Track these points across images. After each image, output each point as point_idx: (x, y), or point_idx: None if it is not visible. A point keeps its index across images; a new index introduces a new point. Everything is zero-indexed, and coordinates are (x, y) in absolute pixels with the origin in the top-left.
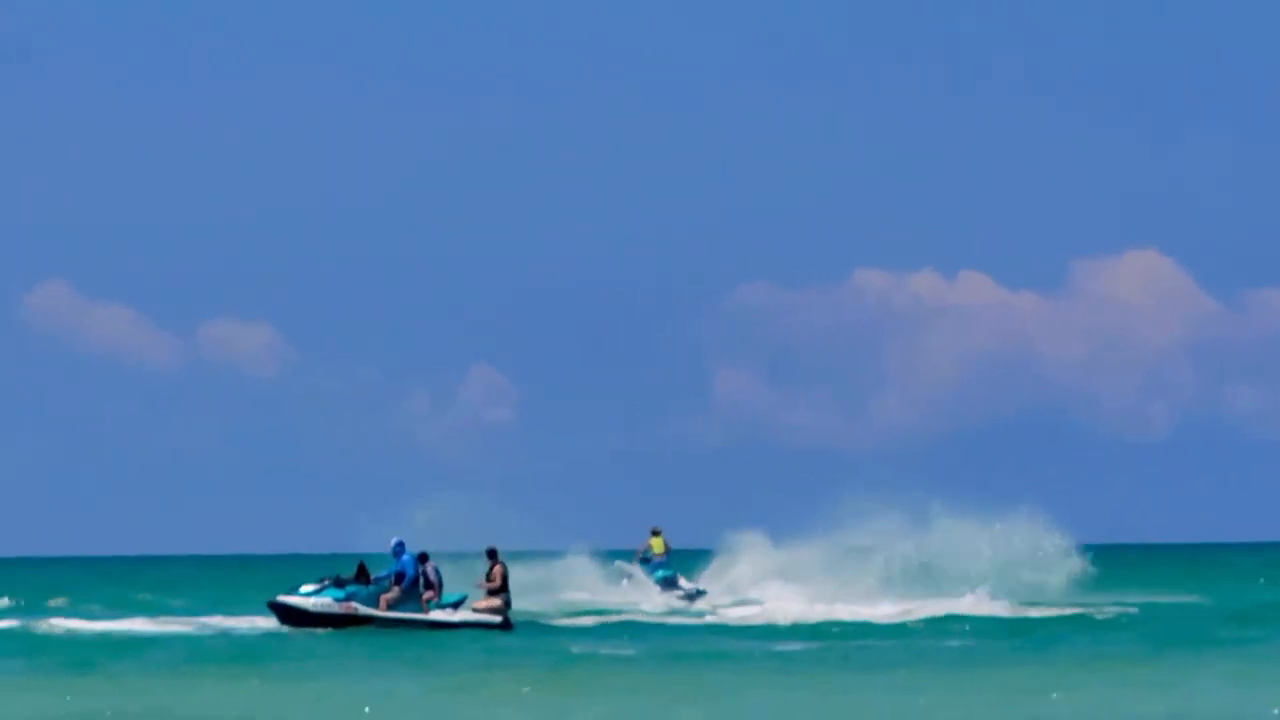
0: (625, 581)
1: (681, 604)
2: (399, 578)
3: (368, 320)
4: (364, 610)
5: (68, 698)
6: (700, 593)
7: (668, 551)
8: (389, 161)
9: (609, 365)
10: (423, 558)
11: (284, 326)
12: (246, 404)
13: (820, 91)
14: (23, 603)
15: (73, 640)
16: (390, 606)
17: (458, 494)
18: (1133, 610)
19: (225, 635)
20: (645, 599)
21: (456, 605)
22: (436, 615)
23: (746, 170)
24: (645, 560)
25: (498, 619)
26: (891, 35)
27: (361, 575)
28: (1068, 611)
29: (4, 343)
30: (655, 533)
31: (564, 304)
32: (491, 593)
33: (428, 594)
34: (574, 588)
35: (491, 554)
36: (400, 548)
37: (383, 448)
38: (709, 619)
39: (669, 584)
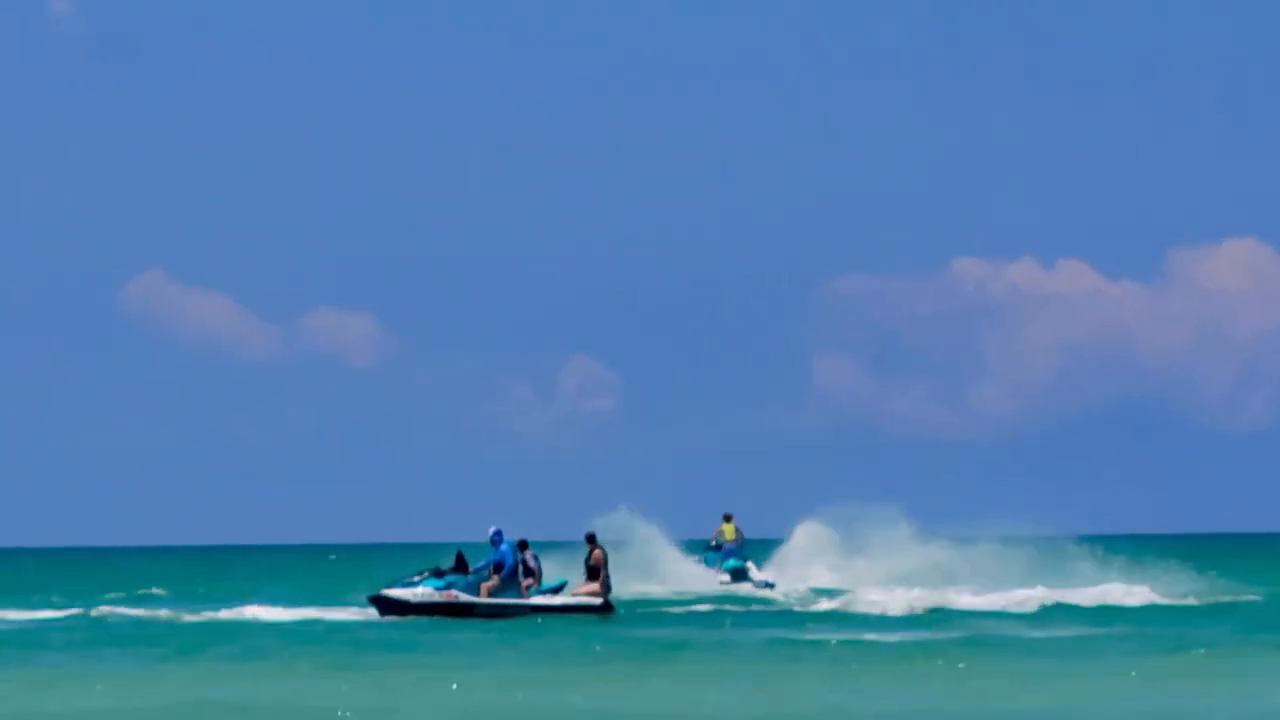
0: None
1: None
2: (498, 566)
3: (468, 310)
4: (465, 598)
5: (172, 687)
6: (769, 584)
7: (739, 538)
8: (489, 151)
9: (708, 355)
10: (522, 545)
11: (385, 316)
12: (346, 394)
13: (918, 79)
14: (125, 594)
15: (177, 630)
16: (490, 594)
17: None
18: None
19: (326, 625)
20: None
21: (556, 591)
22: (537, 600)
23: (845, 159)
24: (716, 547)
25: (598, 601)
26: (987, 22)
27: (460, 565)
28: (1217, 600)
29: (103, 333)
30: (727, 518)
31: (663, 294)
32: (591, 577)
33: (527, 581)
34: (651, 576)
35: (590, 539)
36: (498, 536)
37: (482, 438)
38: (803, 607)
39: (739, 575)
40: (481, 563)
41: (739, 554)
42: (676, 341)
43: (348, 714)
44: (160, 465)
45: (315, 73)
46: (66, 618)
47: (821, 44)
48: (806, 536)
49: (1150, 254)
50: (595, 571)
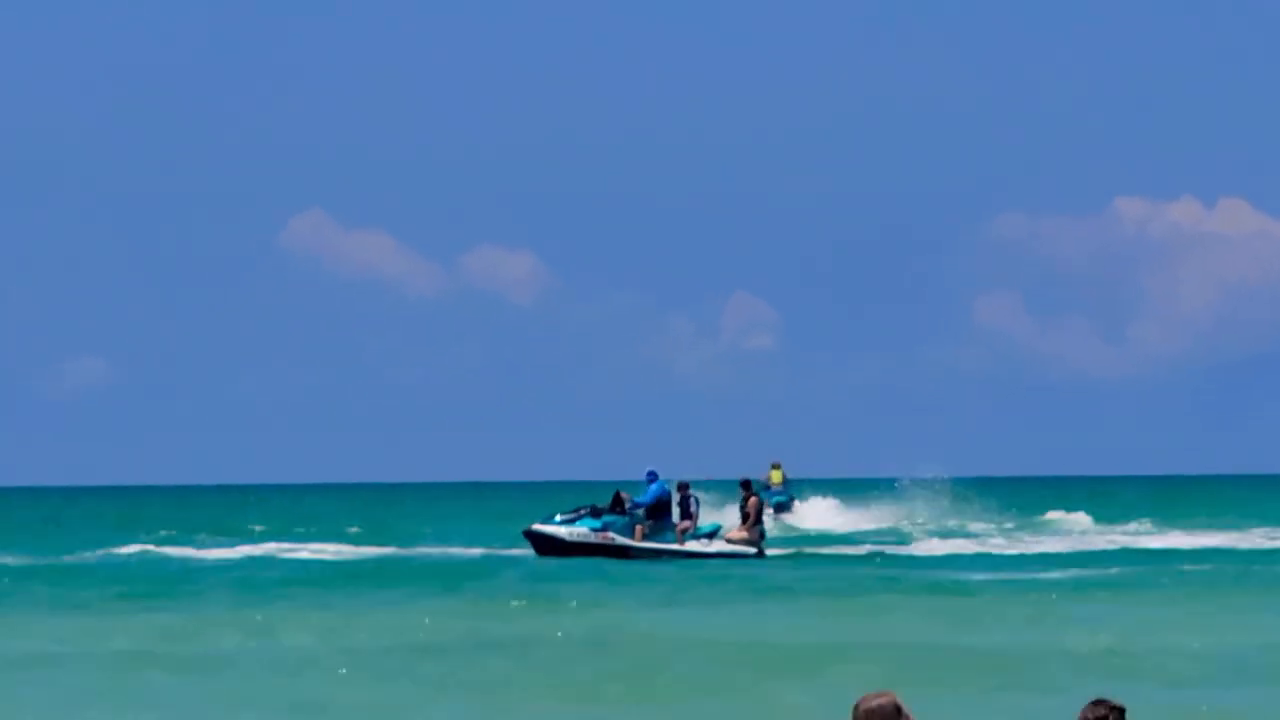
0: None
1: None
2: (654, 508)
3: (629, 248)
4: (620, 540)
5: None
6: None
7: (785, 482)
8: (651, 89)
9: (868, 294)
10: (682, 487)
11: (546, 254)
12: (507, 332)
13: (1080, 18)
14: (271, 529)
15: (325, 567)
16: (645, 536)
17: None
18: None
19: (482, 562)
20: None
21: (711, 535)
22: (691, 546)
23: (1005, 99)
24: (766, 488)
25: (752, 550)
26: None
27: (617, 504)
28: None
29: (264, 272)
30: (775, 466)
31: (825, 233)
32: (745, 523)
33: (684, 524)
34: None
35: (745, 485)
36: (653, 476)
37: (643, 375)
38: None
39: (782, 508)
40: (637, 503)
41: (784, 494)
42: (837, 280)
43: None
44: (321, 403)
45: (476, 11)
46: (278, 554)
47: None
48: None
49: None
50: (749, 518)
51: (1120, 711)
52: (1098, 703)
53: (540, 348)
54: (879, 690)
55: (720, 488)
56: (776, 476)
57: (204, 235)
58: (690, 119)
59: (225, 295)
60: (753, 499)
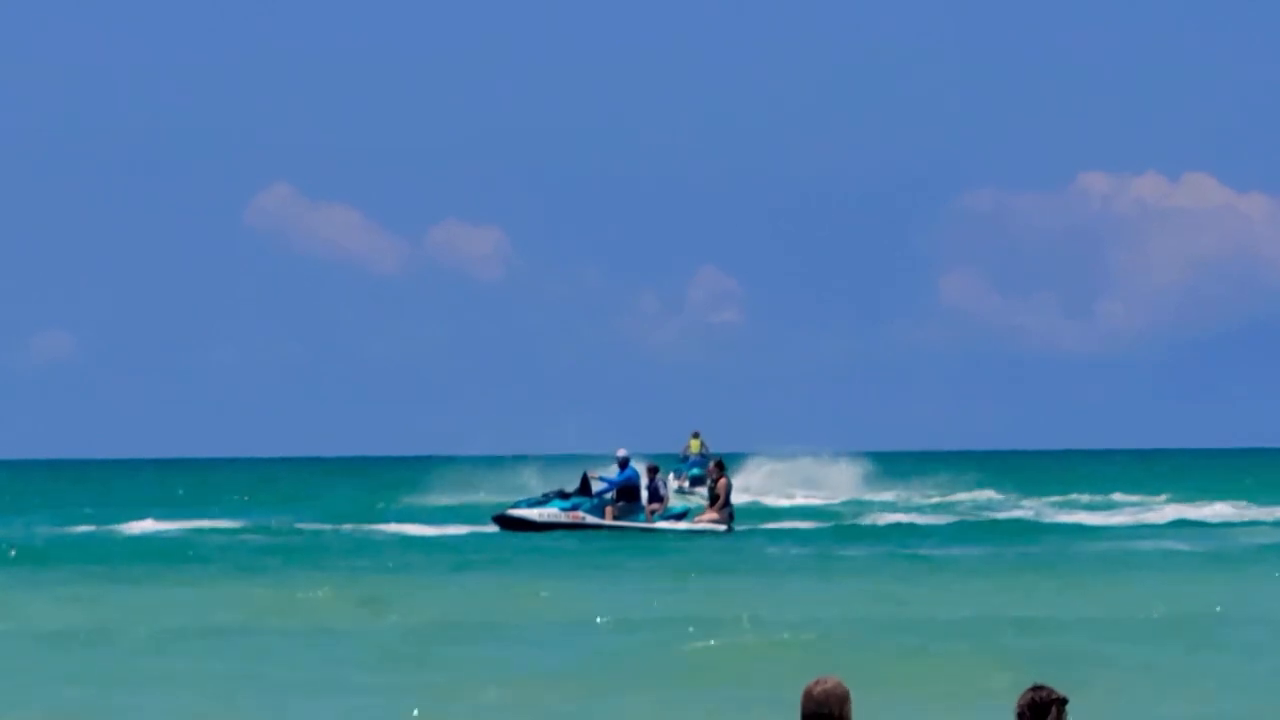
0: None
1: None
2: (624, 490)
3: (596, 223)
4: (590, 520)
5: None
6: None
7: (704, 452)
8: (614, 65)
9: (835, 269)
10: (651, 470)
11: (512, 229)
12: (473, 307)
13: None
14: (248, 499)
15: (308, 541)
16: (615, 518)
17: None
18: None
19: (450, 539)
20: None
21: (680, 517)
22: (661, 525)
23: (969, 75)
24: (684, 459)
25: (722, 528)
26: None
27: (584, 487)
28: None
29: (230, 246)
30: (695, 435)
31: (791, 207)
32: (714, 504)
33: (654, 506)
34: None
35: (719, 465)
36: (624, 460)
37: (610, 350)
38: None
39: (697, 481)
40: (606, 485)
41: (701, 464)
42: (804, 255)
43: (603, 620)
44: (286, 378)
45: None
46: (261, 527)
47: None
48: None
49: None
50: (718, 499)
51: (1062, 702)
52: (1038, 688)
53: (506, 323)
54: (823, 675)
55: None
56: (694, 446)
57: (170, 209)
58: (657, 94)
59: (191, 269)
60: (722, 479)
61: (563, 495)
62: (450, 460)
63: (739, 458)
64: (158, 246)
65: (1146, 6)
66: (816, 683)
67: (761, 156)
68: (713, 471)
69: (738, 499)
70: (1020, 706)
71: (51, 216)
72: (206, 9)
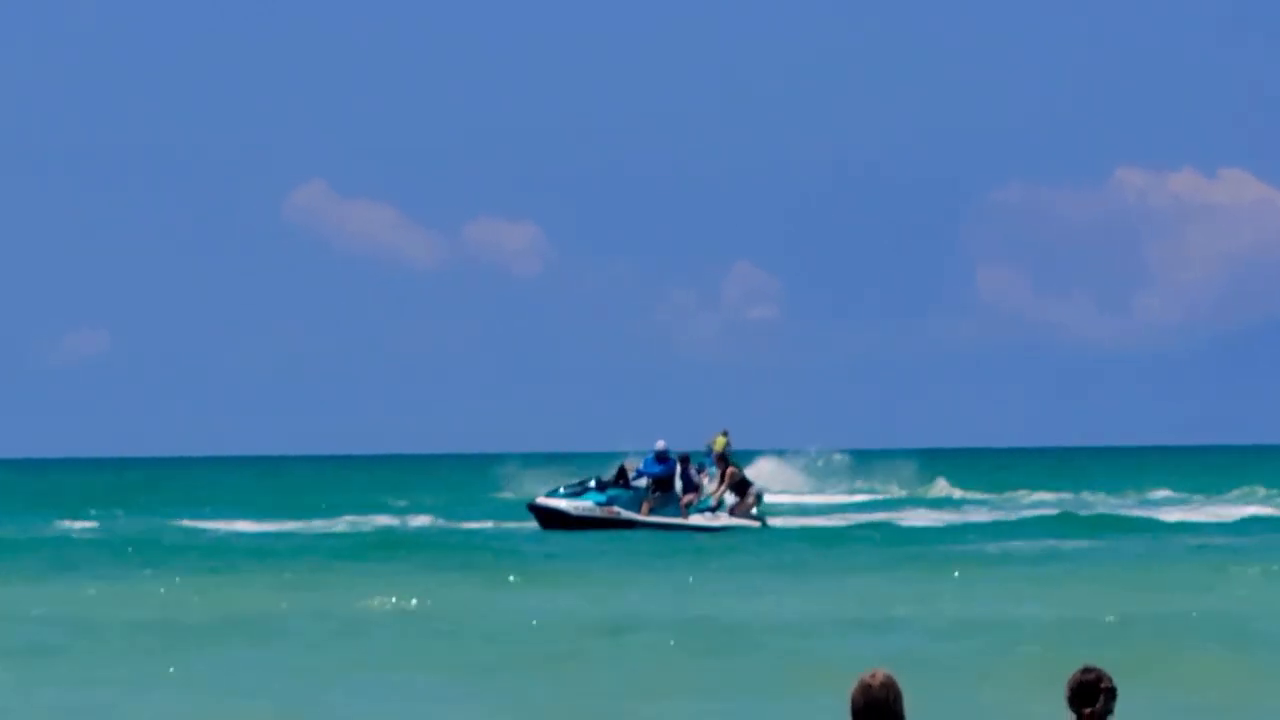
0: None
1: None
2: (659, 482)
3: (631, 218)
4: (625, 514)
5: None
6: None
7: (729, 450)
8: (650, 59)
9: (872, 264)
10: (684, 460)
11: (547, 225)
12: (508, 302)
13: None
14: (325, 505)
15: (337, 538)
16: (651, 511)
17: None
18: None
19: (480, 535)
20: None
21: (715, 508)
22: (696, 519)
23: (1008, 68)
24: (708, 454)
25: (756, 523)
26: None
27: (621, 477)
28: None
29: (266, 243)
30: (723, 433)
31: (827, 202)
32: (738, 491)
33: (688, 497)
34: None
35: (722, 458)
36: (664, 451)
37: (645, 346)
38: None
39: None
40: (641, 472)
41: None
42: (840, 250)
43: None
44: (323, 373)
45: None
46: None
47: None
48: None
49: None
50: (741, 488)
51: (1111, 692)
52: (1087, 669)
53: (541, 319)
54: (872, 669)
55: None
56: (720, 443)
57: (206, 206)
58: (691, 88)
59: (227, 266)
60: (730, 469)
61: (599, 485)
62: (485, 457)
63: (767, 454)
64: (194, 244)
65: (1184, 3)
66: (871, 674)
67: (797, 152)
68: (719, 463)
69: (773, 499)
70: (1069, 687)
71: (86, 215)
72: (241, 8)
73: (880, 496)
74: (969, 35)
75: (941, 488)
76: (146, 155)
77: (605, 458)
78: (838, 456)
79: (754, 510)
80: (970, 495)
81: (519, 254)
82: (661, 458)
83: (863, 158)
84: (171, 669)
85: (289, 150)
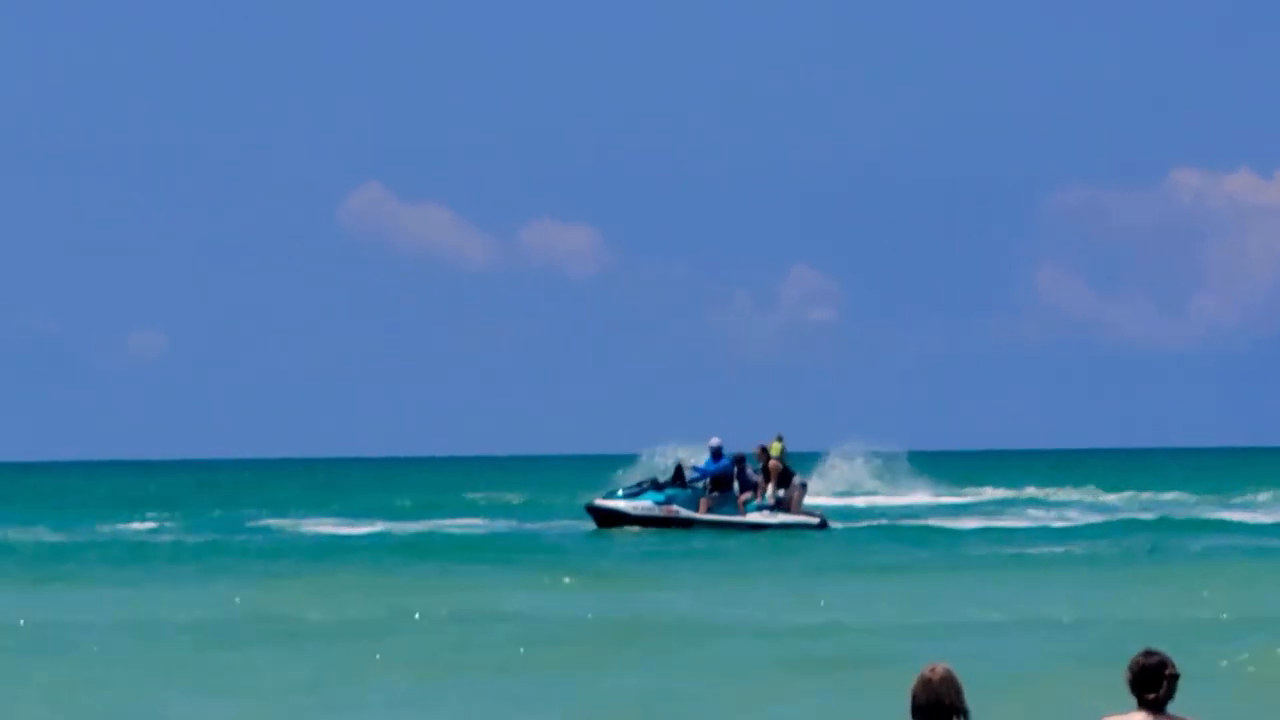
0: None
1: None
2: (717, 480)
3: (688, 220)
4: (684, 513)
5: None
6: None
7: (783, 454)
8: (707, 62)
9: (929, 266)
10: (740, 460)
11: (603, 227)
12: (565, 305)
13: None
14: (409, 502)
15: (399, 540)
16: (709, 509)
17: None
18: None
19: (543, 536)
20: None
21: (774, 507)
22: (754, 517)
23: (1065, 71)
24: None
25: (815, 520)
26: None
27: (678, 477)
28: None
29: (323, 245)
30: (778, 438)
31: (885, 204)
32: (781, 484)
33: (744, 495)
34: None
35: (764, 452)
36: (719, 449)
37: (702, 348)
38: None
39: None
40: (699, 474)
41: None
42: (898, 252)
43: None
44: (378, 375)
45: None
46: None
47: None
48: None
49: None
50: (784, 478)
51: (1174, 677)
52: (1149, 653)
53: (598, 321)
54: (932, 663)
55: (790, 458)
56: (776, 449)
57: (263, 209)
58: (749, 90)
59: (285, 269)
60: (773, 462)
61: (656, 485)
62: (541, 459)
63: (820, 457)
64: (251, 247)
65: (1240, 4)
66: (931, 669)
67: (855, 154)
68: (760, 456)
69: (829, 501)
70: (1131, 671)
71: (146, 217)
72: (297, 13)
73: (966, 499)
74: (1028, 39)
75: (1030, 491)
76: (205, 160)
77: (660, 460)
78: (899, 457)
79: (803, 502)
80: (1058, 495)
81: (575, 256)
82: (717, 455)
83: (922, 160)
84: (265, 673)
85: (346, 153)
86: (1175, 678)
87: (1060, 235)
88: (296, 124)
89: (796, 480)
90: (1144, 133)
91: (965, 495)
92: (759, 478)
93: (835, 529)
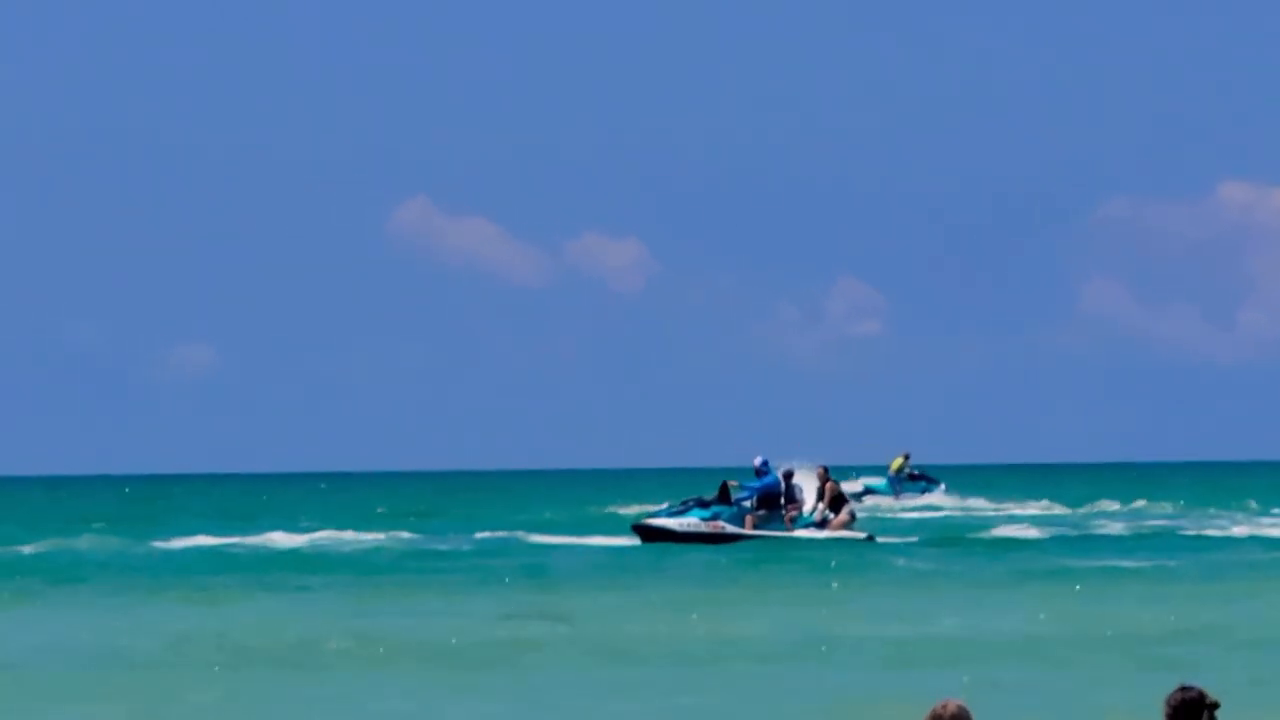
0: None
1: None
2: (764, 498)
3: (734, 234)
4: (731, 529)
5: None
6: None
7: (904, 471)
8: (754, 75)
9: (975, 278)
10: (786, 476)
11: (650, 241)
12: (612, 318)
13: (1184, 2)
14: (383, 510)
15: (446, 554)
16: (756, 526)
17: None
18: None
19: (592, 550)
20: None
21: (821, 524)
22: (801, 533)
23: (1113, 84)
24: (895, 474)
25: (863, 535)
26: None
27: (724, 495)
28: None
29: (371, 259)
30: (904, 456)
31: (931, 218)
32: (834, 508)
33: (791, 511)
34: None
35: (823, 474)
36: (765, 465)
37: (749, 361)
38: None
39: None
40: (745, 493)
41: (898, 481)
42: (944, 265)
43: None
44: (426, 391)
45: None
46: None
47: None
48: None
49: None
50: (837, 502)
51: (1214, 706)
52: (1186, 688)
53: (645, 335)
54: (944, 699)
55: (833, 472)
56: (897, 464)
57: (311, 222)
58: (796, 103)
59: (332, 282)
60: (830, 484)
61: (702, 504)
62: (587, 473)
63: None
64: (299, 260)
65: None
66: (943, 705)
67: (901, 166)
68: (821, 475)
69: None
70: (1170, 706)
71: (194, 229)
72: (346, 26)
73: (1030, 511)
74: (1074, 53)
75: (1104, 504)
76: (253, 173)
77: (709, 474)
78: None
79: (852, 524)
80: (1152, 508)
81: (622, 270)
82: (761, 472)
83: (966, 172)
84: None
85: (393, 167)
86: (1215, 706)
87: (1108, 248)
88: (344, 138)
89: (847, 509)
90: (1192, 146)
91: (1059, 509)
92: (805, 496)
93: (881, 545)
